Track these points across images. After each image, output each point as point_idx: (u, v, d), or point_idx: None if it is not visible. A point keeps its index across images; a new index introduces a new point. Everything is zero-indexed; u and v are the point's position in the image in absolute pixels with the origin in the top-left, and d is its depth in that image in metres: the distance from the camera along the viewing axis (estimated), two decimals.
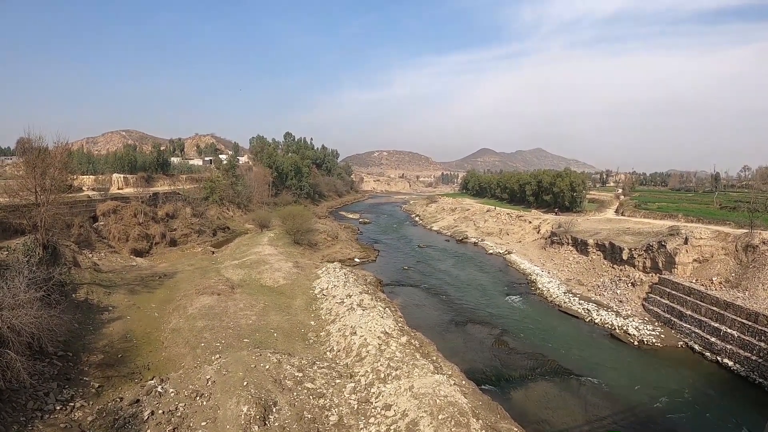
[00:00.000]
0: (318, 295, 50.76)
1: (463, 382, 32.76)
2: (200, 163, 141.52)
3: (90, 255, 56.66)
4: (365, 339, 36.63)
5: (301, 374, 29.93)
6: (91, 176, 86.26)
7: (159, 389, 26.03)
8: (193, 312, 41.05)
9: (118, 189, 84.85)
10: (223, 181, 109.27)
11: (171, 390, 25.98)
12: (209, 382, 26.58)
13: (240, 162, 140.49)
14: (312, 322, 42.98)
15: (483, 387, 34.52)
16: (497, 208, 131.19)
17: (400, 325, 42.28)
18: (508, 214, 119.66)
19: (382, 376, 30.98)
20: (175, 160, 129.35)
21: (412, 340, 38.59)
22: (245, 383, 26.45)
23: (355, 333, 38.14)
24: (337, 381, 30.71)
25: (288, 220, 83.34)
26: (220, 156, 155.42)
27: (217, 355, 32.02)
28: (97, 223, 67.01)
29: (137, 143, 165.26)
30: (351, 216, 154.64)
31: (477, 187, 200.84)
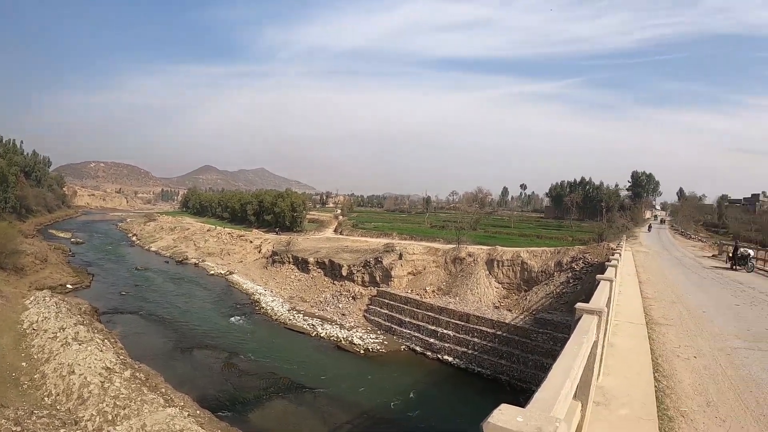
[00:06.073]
0: (28, 330, 45.16)
1: (198, 412, 31.87)
2: None
3: None
4: (85, 377, 33.74)
5: (19, 428, 26.60)
6: None
7: None
8: None
9: None
10: None
11: None
12: None
13: None
14: (24, 364, 38.10)
15: (219, 414, 33.79)
16: (218, 227, 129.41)
17: (121, 357, 39.69)
18: (229, 233, 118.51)
19: (110, 417, 28.86)
20: None
21: (137, 373, 36.57)
22: None
23: (74, 372, 34.86)
24: (62, 430, 27.93)
25: None
26: None
27: None
28: None
29: None
30: (62, 235, 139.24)
31: (198, 206, 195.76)
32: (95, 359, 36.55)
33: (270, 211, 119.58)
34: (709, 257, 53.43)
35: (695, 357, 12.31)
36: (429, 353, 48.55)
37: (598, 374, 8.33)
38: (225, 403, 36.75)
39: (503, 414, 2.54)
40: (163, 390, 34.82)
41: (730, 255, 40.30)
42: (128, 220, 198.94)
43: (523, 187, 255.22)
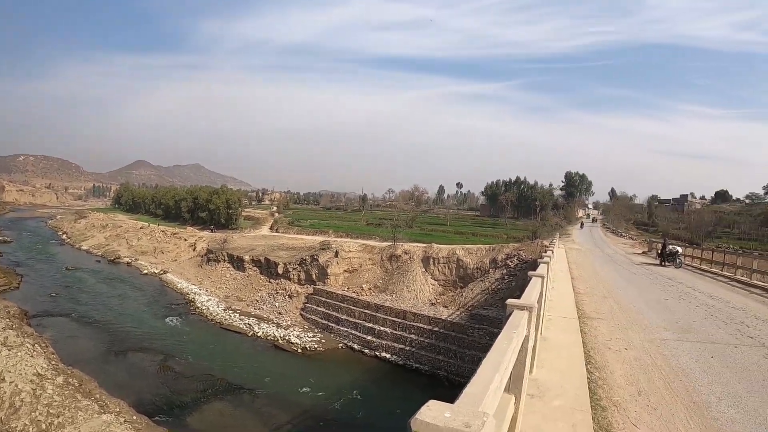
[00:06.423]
0: None
1: (134, 418, 31.43)
2: None
3: None
4: (17, 385, 32.79)
5: None
6: None
7: None
8: None
9: None
10: None
11: None
12: None
13: None
14: None
15: (156, 418, 33.36)
16: (152, 225, 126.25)
17: (53, 363, 38.71)
18: (163, 231, 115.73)
19: (44, 426, 28.23)
20: None
21: (70, 379, 35.80)
22: None
23: (4, 379, 33.84)
24: None
25: None
26: None
27: None
28: None
29: None
30: None
31: (131, 202, 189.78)
32: (26, 365, 35.56)
33: (205, 208, 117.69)
34: (639, 254, 55.61)
35: (626, 349, 12.96)
36: (367, 351, 49.16)
37: (531, 368, 8.86)
38: (162, 407, 36.21)
39: (431, 410, 2.61)
40: (98, 396, 34.17)
41: (660, 252, 42.24)
42: (58, 217, 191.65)
43: (459, 185, 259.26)
